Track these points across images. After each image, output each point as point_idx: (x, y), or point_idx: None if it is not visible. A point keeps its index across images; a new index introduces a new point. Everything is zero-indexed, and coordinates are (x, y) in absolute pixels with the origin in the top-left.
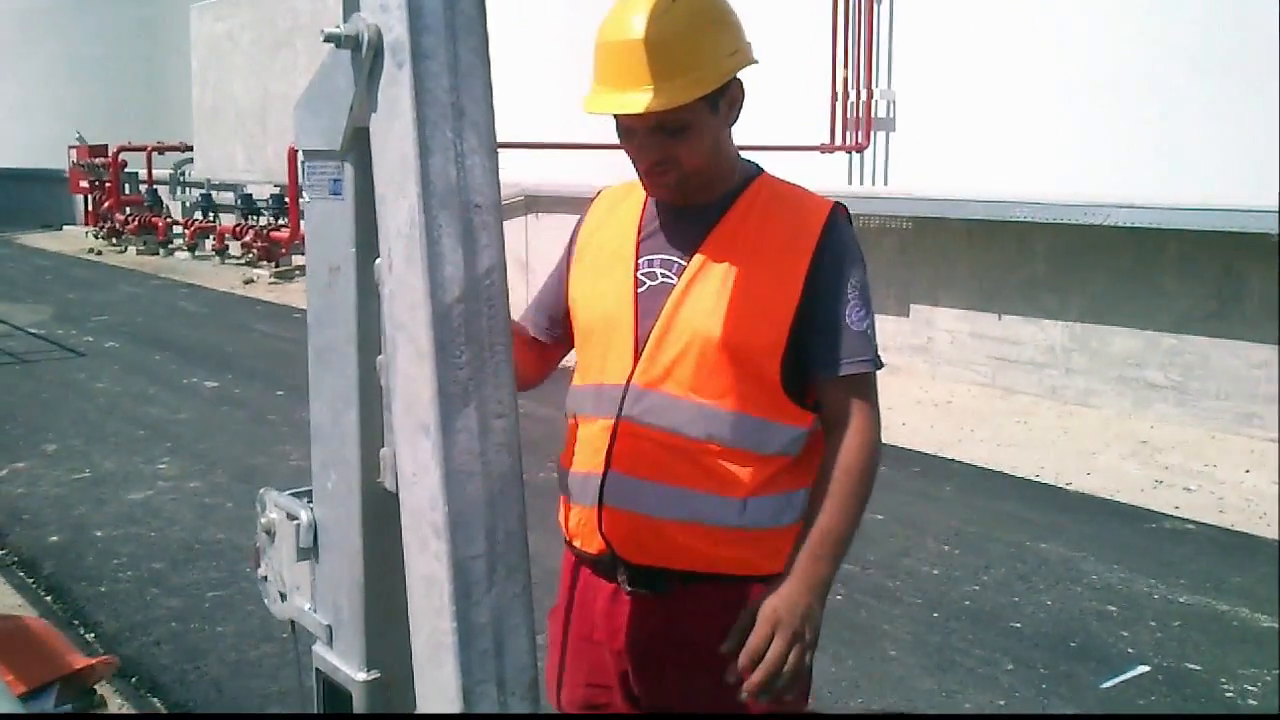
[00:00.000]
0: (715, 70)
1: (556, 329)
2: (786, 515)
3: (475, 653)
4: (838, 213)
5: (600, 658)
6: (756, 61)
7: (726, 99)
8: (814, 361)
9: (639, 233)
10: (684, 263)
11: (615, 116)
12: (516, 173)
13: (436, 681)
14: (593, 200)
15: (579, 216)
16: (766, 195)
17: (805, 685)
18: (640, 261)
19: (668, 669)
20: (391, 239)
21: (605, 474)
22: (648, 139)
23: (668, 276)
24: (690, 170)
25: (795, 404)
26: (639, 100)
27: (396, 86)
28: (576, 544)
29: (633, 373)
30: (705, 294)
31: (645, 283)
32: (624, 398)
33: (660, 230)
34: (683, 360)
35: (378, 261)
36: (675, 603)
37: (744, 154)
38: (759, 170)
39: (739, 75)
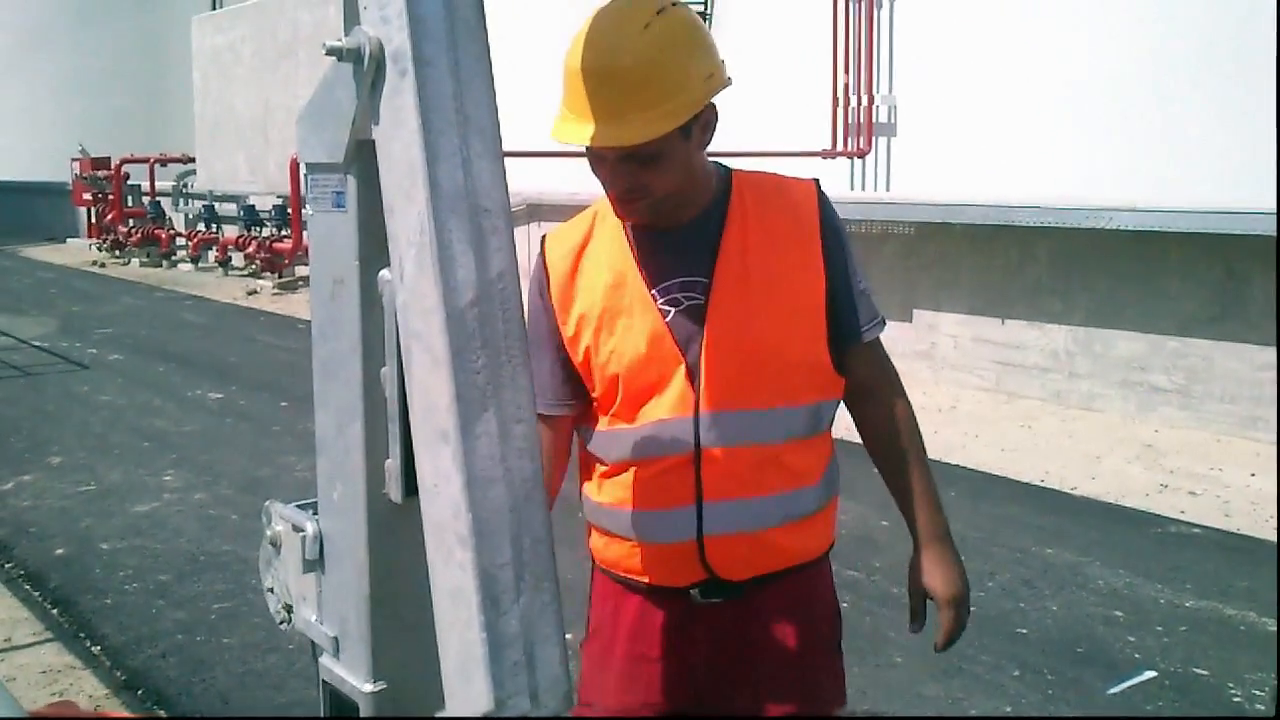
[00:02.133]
0: (689, 99)
1: (580, 392)
2: (837, 482)
3: (506, 664)
4: (821, 189)
5: (658, 675)
6: (730, 83)
7: (699, 123)
8: (845, 332)
9: (639, 264)
10: (705, 280)
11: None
12: (519, 182)
13: (467, 698)
14: (542, 254)
15: (532, 281)
16: (751, 193)
17: (844, 694)
18: (655, 292)
19: (743, 668)
20: (402, 248)
21: (700, 505)
22: (618, 167)
23: (693, 298)
24: (661, 196)
25: (837, 375)
26: (610, 133)
27: (400, 95)
28: (646, 581)
29: (697, 401)
30: (742, 303)
31: (669, 311)
32: (697, 428)
33: (662, 255)
34: (744, 373)
35: (381, 273)
36: (747, 604)
37: (744, 160)
38: (728, 170)
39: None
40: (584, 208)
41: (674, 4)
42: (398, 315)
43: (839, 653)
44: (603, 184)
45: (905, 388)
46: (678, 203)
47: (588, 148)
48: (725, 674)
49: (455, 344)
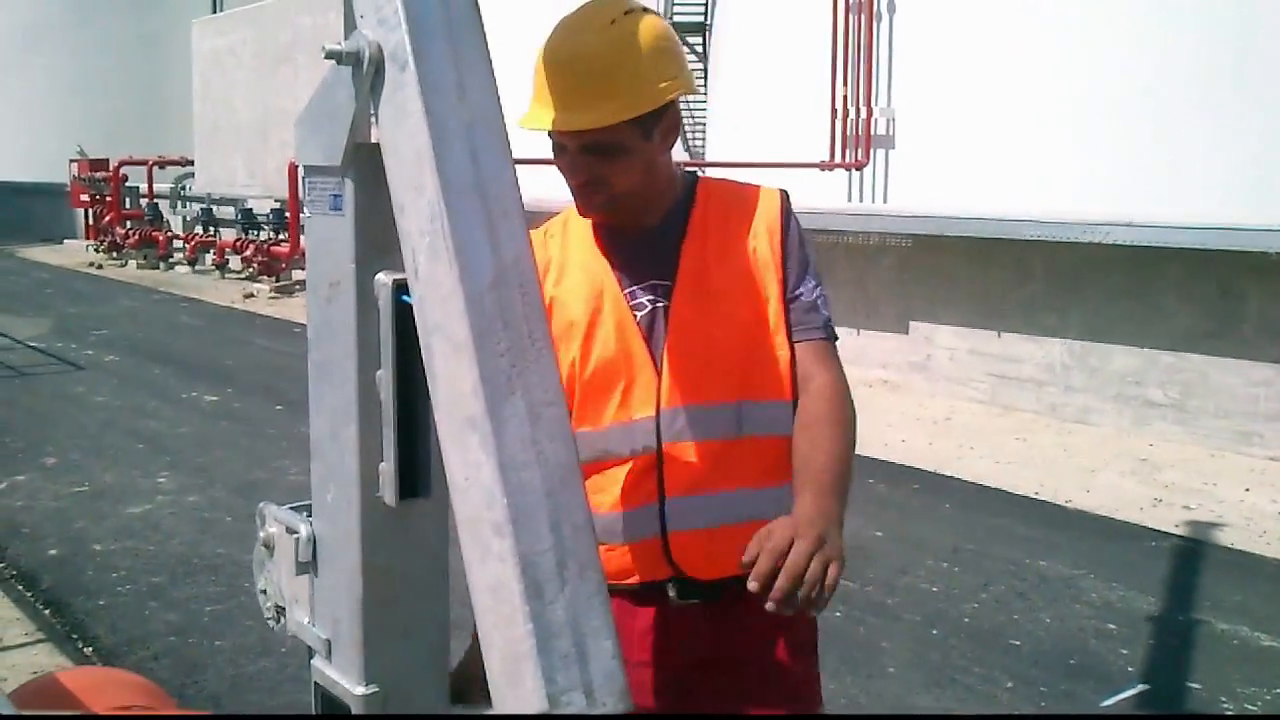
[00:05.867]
0: (647, 96)
1: None
2: None
3: (556, 656)
4: (788, 198)
5: (641, 680)
6: (696, 91)
7: (662, 126)
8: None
9: (613, 269)
10: (668, 283)
11: (549, 133)
12: None
13: (517, 700)
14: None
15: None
16: (715, 195)
17: (819, 698)
18: (626, 294)
19: (723, 672)
20: (414, 241)
21: (662, 502)
22: (578, 158)
23: (656, 300)
24: (620, 192)
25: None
26: (565, 118)
27: (403, 89)
28: (618, 583)
29: (659, 400)
30: (702, 302)
31: (639, 313)
32: (659, 425)
33: (629, 259)
34: (705, 369)
35: (378, 276)
36: (726, 606)
37: (744, 170)
38: (694, 176)
39: (678, 103)
40: None
41: (644, 10)
42: (414, 313)
43: (814, 655)
44: (564, 175)
45: (847, 386)
46: (638, 203)
47: (552, 139)
48: (706, 678)
49: (476, 327)
